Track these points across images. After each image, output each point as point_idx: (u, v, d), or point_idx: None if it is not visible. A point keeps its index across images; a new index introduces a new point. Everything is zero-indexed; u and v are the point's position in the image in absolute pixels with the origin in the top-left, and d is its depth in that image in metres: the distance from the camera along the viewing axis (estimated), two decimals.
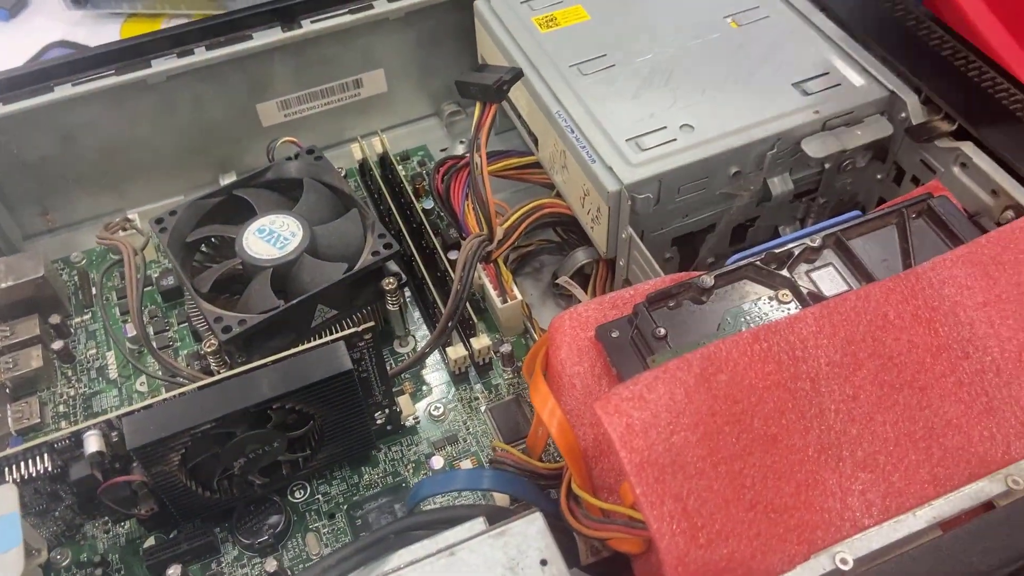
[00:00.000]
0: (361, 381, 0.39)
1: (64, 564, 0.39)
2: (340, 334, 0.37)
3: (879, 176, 0.46)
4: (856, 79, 0.43)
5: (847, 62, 0.44)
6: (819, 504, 0.29)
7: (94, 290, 0.49)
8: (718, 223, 0.45)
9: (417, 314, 0.48)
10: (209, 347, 0.40)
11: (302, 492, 0.41)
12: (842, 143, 0.42)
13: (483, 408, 0.44)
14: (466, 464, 0.42)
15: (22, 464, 0.34)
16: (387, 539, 0.31)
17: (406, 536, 0.32)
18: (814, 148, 0.42)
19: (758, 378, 0.30)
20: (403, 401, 0.43)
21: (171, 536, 0.39)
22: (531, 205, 0.46)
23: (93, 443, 0.34)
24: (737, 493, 0.28)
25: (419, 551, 0.30)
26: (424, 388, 0.45)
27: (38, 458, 0.34)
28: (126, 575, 0.38)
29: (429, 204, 0.51)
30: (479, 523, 0.31)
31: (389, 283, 0.43)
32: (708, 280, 0.35)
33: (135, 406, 0.35)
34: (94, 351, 0.47)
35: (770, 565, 0.28)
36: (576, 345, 0.35)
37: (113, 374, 0.46)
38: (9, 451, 0.34)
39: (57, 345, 0.45)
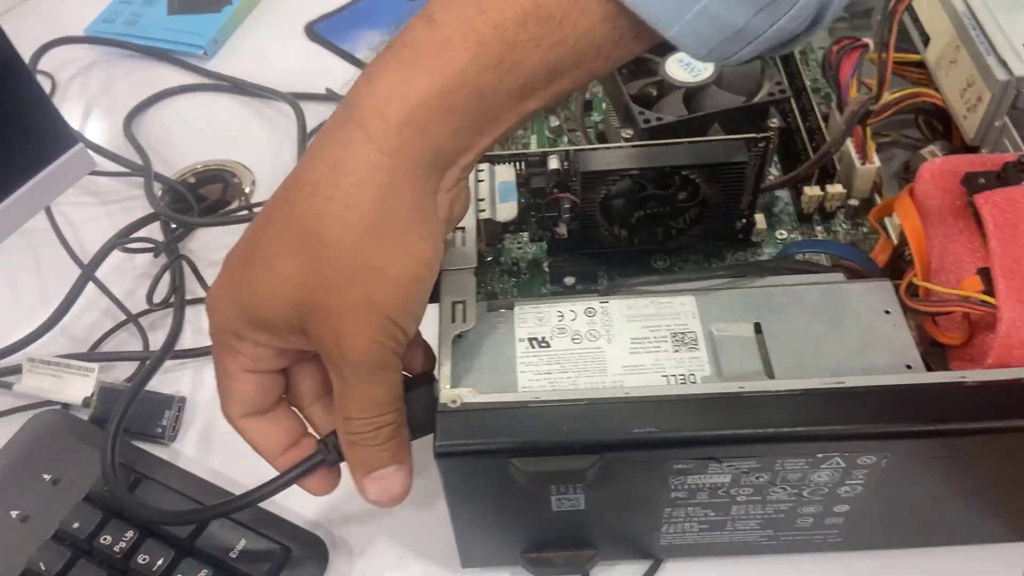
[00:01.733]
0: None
1: (488, 259, 0.53)
2: (743, 135, 0.47)
3: None
4: None
5: None
6: None
7: None
8: None
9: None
10: (626, 134, 0.52)
11: (662, 263, 0.52)
12: None
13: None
14: None
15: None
16: (764, 268, 0.42)
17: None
18: None
19: None
20: (759, 217, 0.52)
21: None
22: (912, 90, 0.53)
23: (554, 162, 0.47)
24: None
25: (794, 279, 0.40)
26: (772, 220, 0.54)
27: (515, 164, 0.48)
28: (530, 279, 0.52)
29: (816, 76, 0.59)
30: (839, 275, 0.40)
31: (772, 123, 0.52)
32: None
33: (587, 147, 0.47)
34: (522, 130, 0.61)
35: None
36: (941, 184, 0.43)
37: None
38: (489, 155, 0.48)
39: None
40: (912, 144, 0.58)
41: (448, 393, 0.36)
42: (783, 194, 0.56)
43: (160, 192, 0.63)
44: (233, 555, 0.42)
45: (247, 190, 0.65)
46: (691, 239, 0.51)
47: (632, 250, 0.52)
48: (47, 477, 0.46)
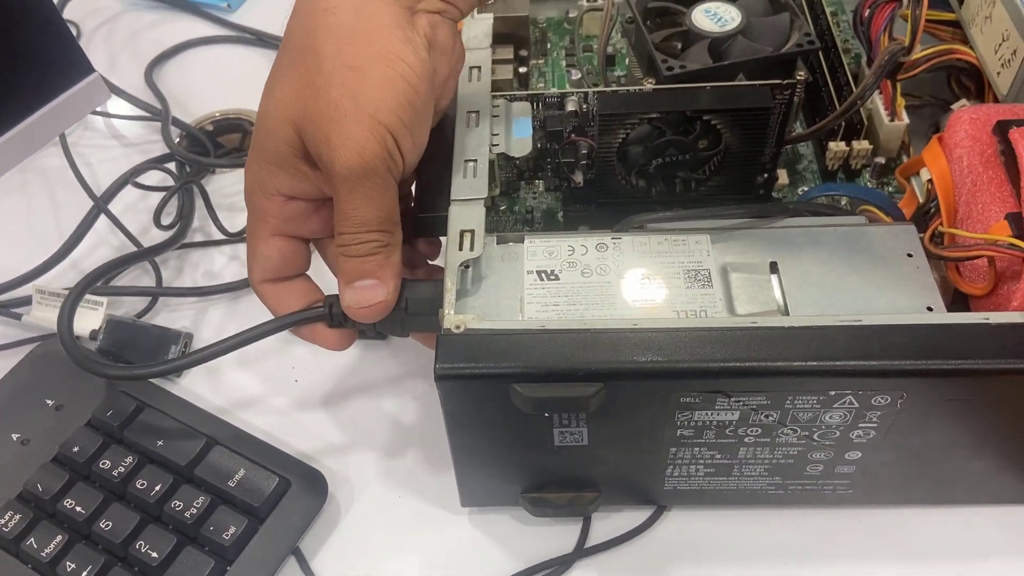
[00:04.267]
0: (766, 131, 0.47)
1: (502, 208, 0.52)
2: (770, 81, 0.46)
3: None
4: None
5: None
6: None
7: (548, 44, 0.62)
8: None
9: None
10: (648, 82, 0.51)
11: None
12: None
13: (843, 203, 0.51)
14: None
15: None
16: (783, 209, 0.40)
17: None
18: None
19: None
20: (781, 172, 0.51)
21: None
22: (944, 47, 0.51)
23: (571, 104, 0.46)
24: None
25: (814, 221, 0.39)
26: (796, 177, 0.53)
27: (533, 103, 0.47)
28: (544, 229, 0.51)
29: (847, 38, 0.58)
30: (860, 219, 0.39)
31: (800, 74, 0.51)
32: None
33: (607, 88, 0.46)
34: (542, 84, 0.60)
35: None
36: (972, 133, 0.42)
37: None
38: (505, 93, 0.47)
39: (522, 69, 0.59)
40: (942, 108, 0.56)
41: (452, 319, 0.35)
42: (807, 152, 0.54)
43: (179, 139, 0.63)
44: (232, 484, 0.41)
45: None
46: (710, 191, 0.50)
47: (649, 201, 0.50)
48: (50, 403, 0.45)
